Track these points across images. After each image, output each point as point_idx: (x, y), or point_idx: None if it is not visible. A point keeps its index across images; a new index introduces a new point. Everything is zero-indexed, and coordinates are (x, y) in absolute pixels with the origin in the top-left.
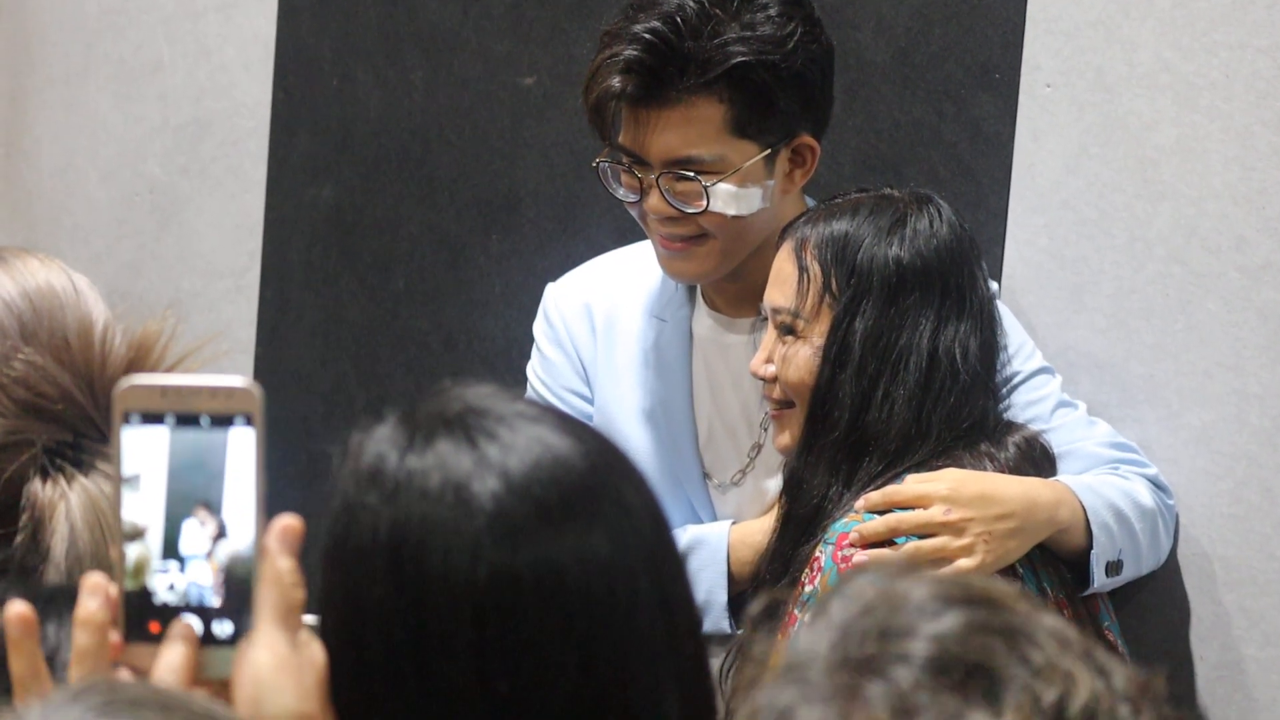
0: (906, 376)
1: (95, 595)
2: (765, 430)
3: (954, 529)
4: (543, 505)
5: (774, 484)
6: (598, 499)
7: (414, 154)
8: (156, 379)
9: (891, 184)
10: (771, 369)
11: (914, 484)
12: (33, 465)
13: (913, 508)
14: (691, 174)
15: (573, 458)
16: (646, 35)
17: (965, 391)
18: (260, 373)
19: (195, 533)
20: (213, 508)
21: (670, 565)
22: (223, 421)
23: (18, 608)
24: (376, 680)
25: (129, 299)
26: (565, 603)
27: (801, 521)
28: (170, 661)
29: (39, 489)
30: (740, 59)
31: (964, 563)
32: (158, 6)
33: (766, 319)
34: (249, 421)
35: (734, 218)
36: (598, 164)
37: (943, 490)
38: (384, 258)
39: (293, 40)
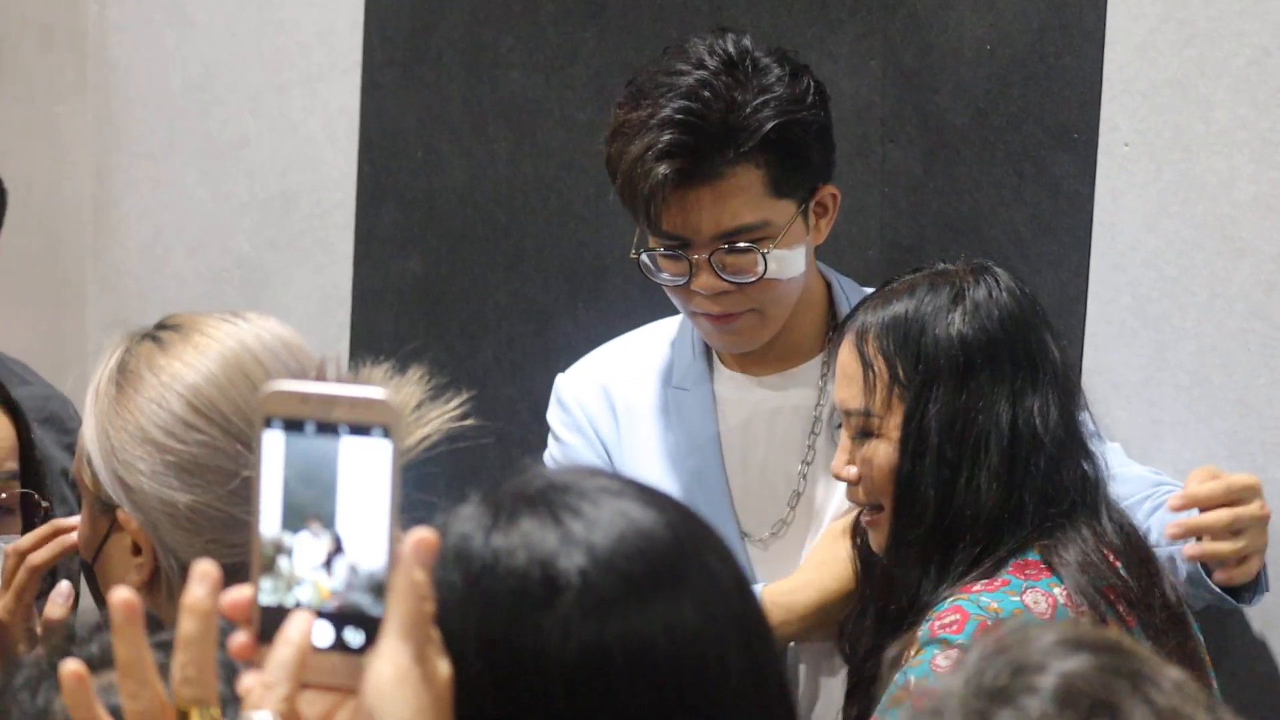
0: (989, 458)
1: (203, 582)
2: (805, 479)
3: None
4: (629, 578)
5: (814, 536)
6: (683, 569)
7: (499, 224)
8: (299, 385)
9: (958, 252)
10: (853, 471)
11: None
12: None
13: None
14: (744, 244)
15: (656, 529)
16: (679, 117)
17: (1055, 462)
18: None
19: (326, 539)
20: (343, 516)
21: (758, 630)
22: (361, 431)
23: (122, 594)
24: None
25: None
26: (655, 674)
27: (895, 617)
28: (279, 658)
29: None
30: (774, 121)
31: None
32: (243, 82)
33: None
34: (386, 434)
35: (784, 281)
36: (638, 256)
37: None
38: (471, 327)
39: (377, 113)
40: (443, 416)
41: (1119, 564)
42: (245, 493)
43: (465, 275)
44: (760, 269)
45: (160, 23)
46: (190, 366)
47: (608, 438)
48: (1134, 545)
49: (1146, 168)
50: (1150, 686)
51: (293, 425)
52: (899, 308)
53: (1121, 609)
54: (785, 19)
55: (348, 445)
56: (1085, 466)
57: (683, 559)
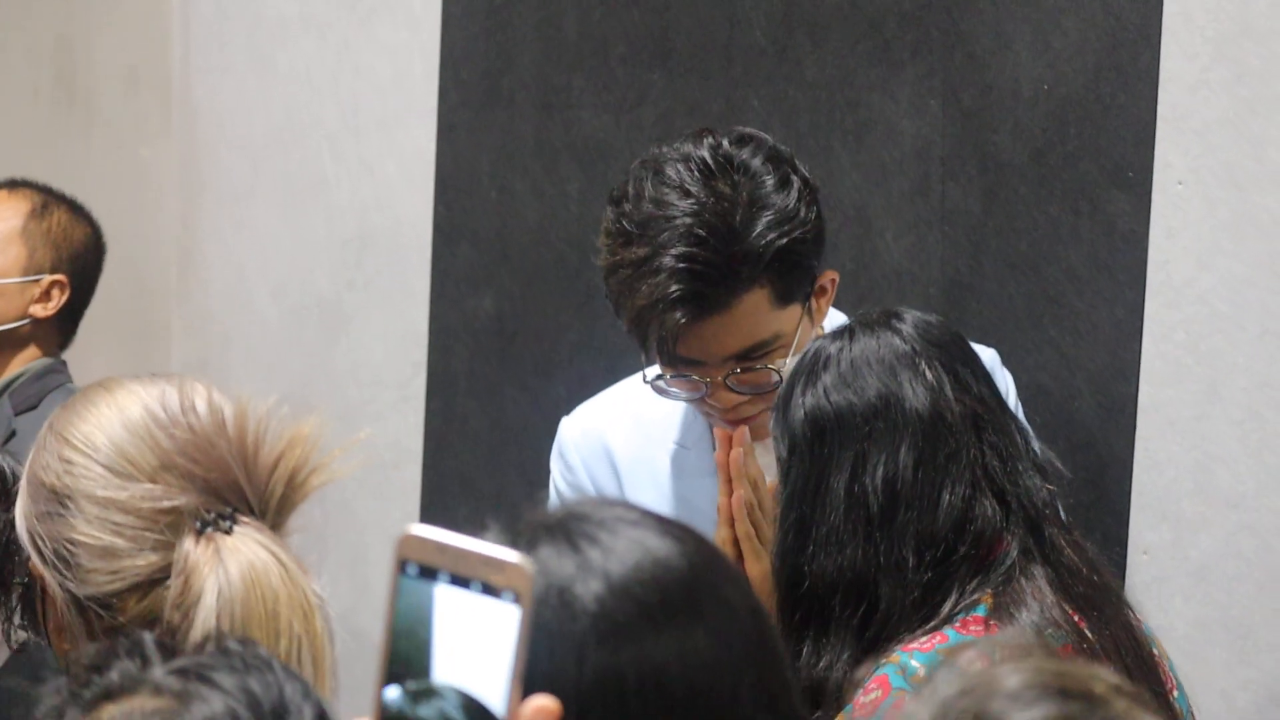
0: (830, 521)
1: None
2: None
3: None
4: (644, 605)
5: None
6: (698, 598)
7: (571, 263)
8: (436, 534)
9: (1016, 290)
10: None
11: None
12: (187, 528)
13: None
14: (759, 365)
15: (672, 558)
16: (683, 266)
17: (924, 512)
18: (428, 479)
19: (446, 692)
20: (464, 672)
21: (772, 659)
22: (492, 591)
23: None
24: None
25: (300, 410)
26: (669, 700)
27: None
28: None
29: (191, 548)
30: (776, 245)
31: None
32: (321, 125)
33: None
34: (517, 599)
35: None
36: (652, 383)
37: None
38: (545, 365)
39: (452, 154)
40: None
41: (1079, 615)
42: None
43: (538, 314)
44: (775, 380)
45: (242, 67)
46: (84, 419)
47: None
48: (1095, 582)
49: (1200, 206)
50: None
51: (426, 573)
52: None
53: None
54: (849, 59)
55: (478, 602)
56: (990, 504)
57: (698, 588)
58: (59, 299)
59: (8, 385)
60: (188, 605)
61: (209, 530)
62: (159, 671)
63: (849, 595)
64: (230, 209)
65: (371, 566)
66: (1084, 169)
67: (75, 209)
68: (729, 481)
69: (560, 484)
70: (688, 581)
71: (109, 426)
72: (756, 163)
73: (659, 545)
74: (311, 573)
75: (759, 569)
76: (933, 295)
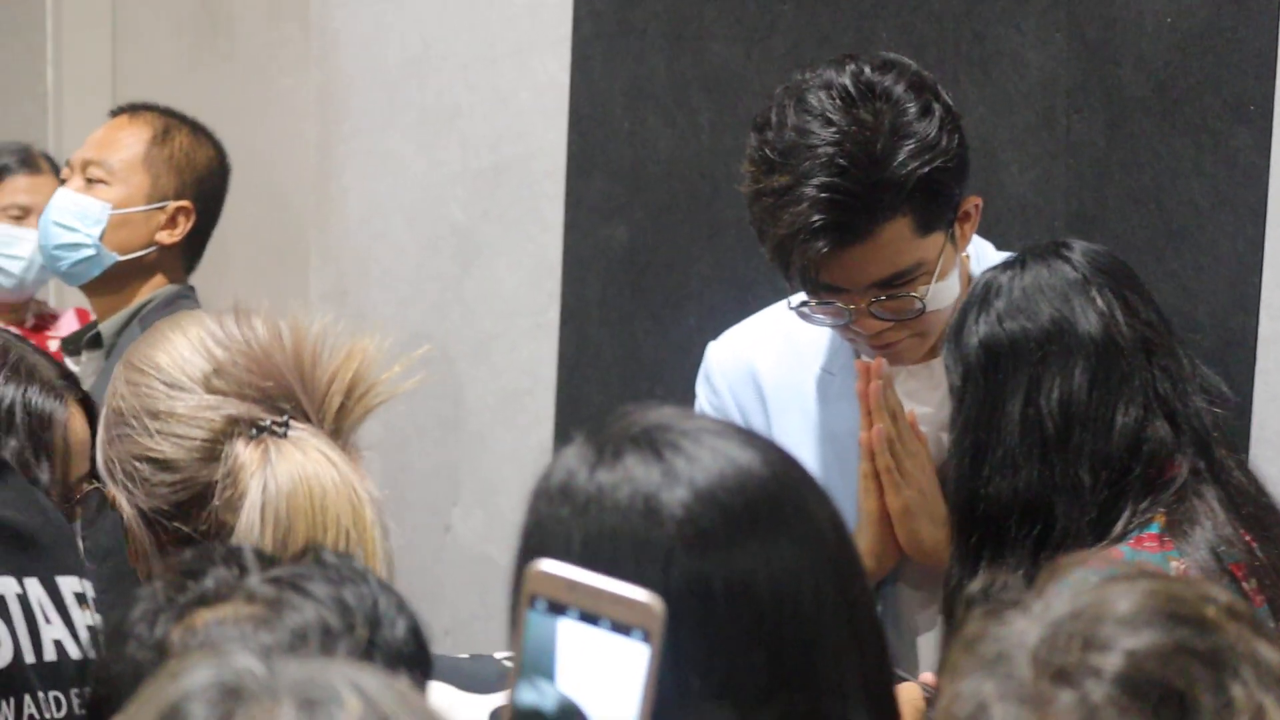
0: (1005, 444)
1: None
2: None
3: None
4: (730, 513)
5: None
6: (782, 507)
7: (703, 194)
8: (565, 570)
9: (1140, 224)
10: None
11: None
12: (241, 434)
13: None
14: (902, 292)
15: (756, 468)
16: (825, 196)
17: (1099, 434)
18: (561, 409)
19: None
20: (592, 709)
21: (853, 573)
22: (622, 630)
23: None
24: None
25: (435, 340)
26: (755, 607)
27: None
28: None
29: (240, 450)
30: (919, 174)
31: None
32: (455, 54)
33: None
34: (646, 638)
35: (943, 309)
36: (797, 309)
37: None
38: (676, 296)
39: (585, 85)
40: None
41: (1249, 534)
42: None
43: (670, 245)
44: (919, 308)
45: None
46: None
47: (756, 424)
48: (1262, 504)
49: None
50: (1226, 672)
51: (555, 608)
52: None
53: (1249, 586)
54: None
55: (606, 640)
56: (1162, 425)
57: (782, 498)
58: (184, 225)
59: (136, 312)
60: (235, 505)
61: (262, 435)
62: (254, 580)
63: (1025, 516)
64: (367, 138)
65: (504, 496)
66: (1206, 102)
67: (197, 131)
68: (869, 414)
69: (706, 409)
70: (772, 491)
71: (169, 347)
72: (899, 89)
73: (742, 455)
74: (368, 477)
75: (899, 502)
76: (1057, 228)
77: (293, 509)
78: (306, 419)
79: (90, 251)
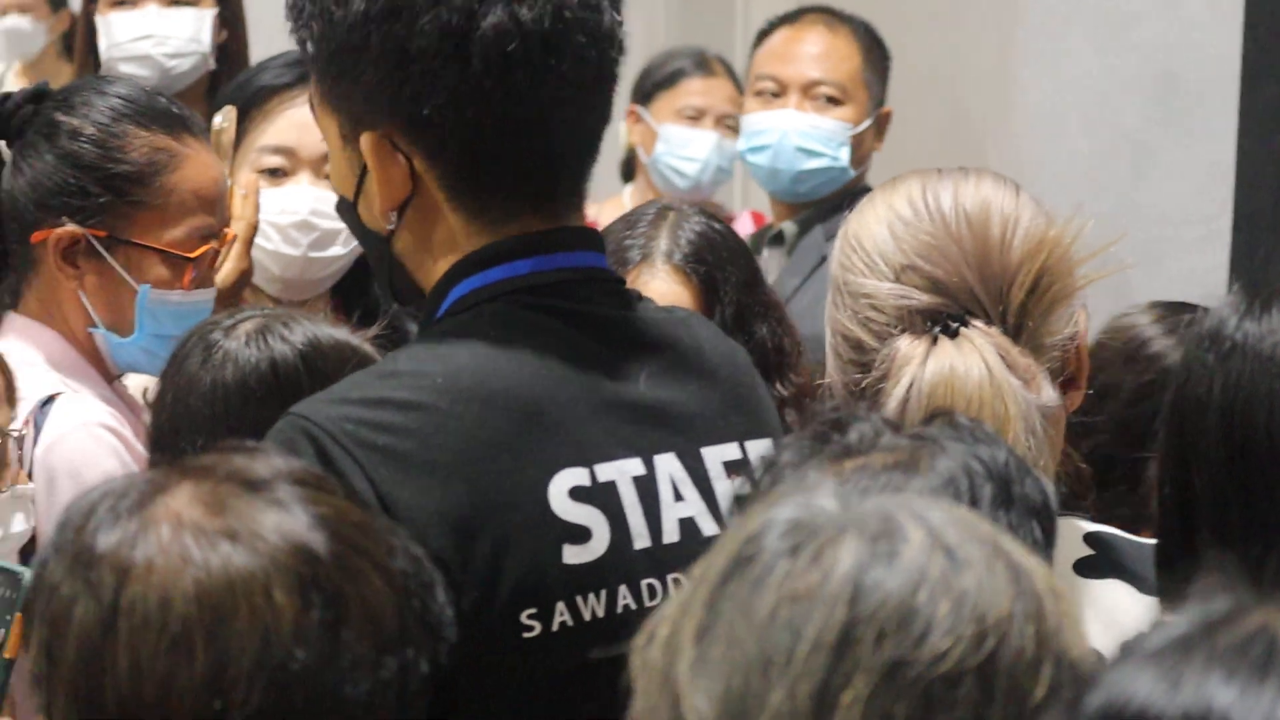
0: None
1: None
2: None
3: None
4: None
5: None
6: None
7: None
8: None
9: None
10: None
11: None
12: (914, 327)
13: None
14: None
15: None
16: None
17: None
18: None
19: None
20: None
21: None
22: None
23: None
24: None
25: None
26: None
27: None
28: None
29: (904, 345)
30: None
31: None
32: None
33: None
34: None
35: None
36: None
37: None
38: None
39: None
40: None
41: None
42: None
43: None
44: None
45: None
46: None
47: None
48: None
49: None
50: None
51: None
52: None
53: None
54: None
55: None
56: None
57: None
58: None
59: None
60: (881, 397)
61: (934, 330)
62: (890, 437)
63: None
64: (1044, 42)
65: None
66: None
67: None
68: None
69: None
70: None
71: (871, 223)
72: None
73: None
74: (1041, 379)
75: None
76: None
77: (931, 407)
78: (986, 315)
79: (838, 173)
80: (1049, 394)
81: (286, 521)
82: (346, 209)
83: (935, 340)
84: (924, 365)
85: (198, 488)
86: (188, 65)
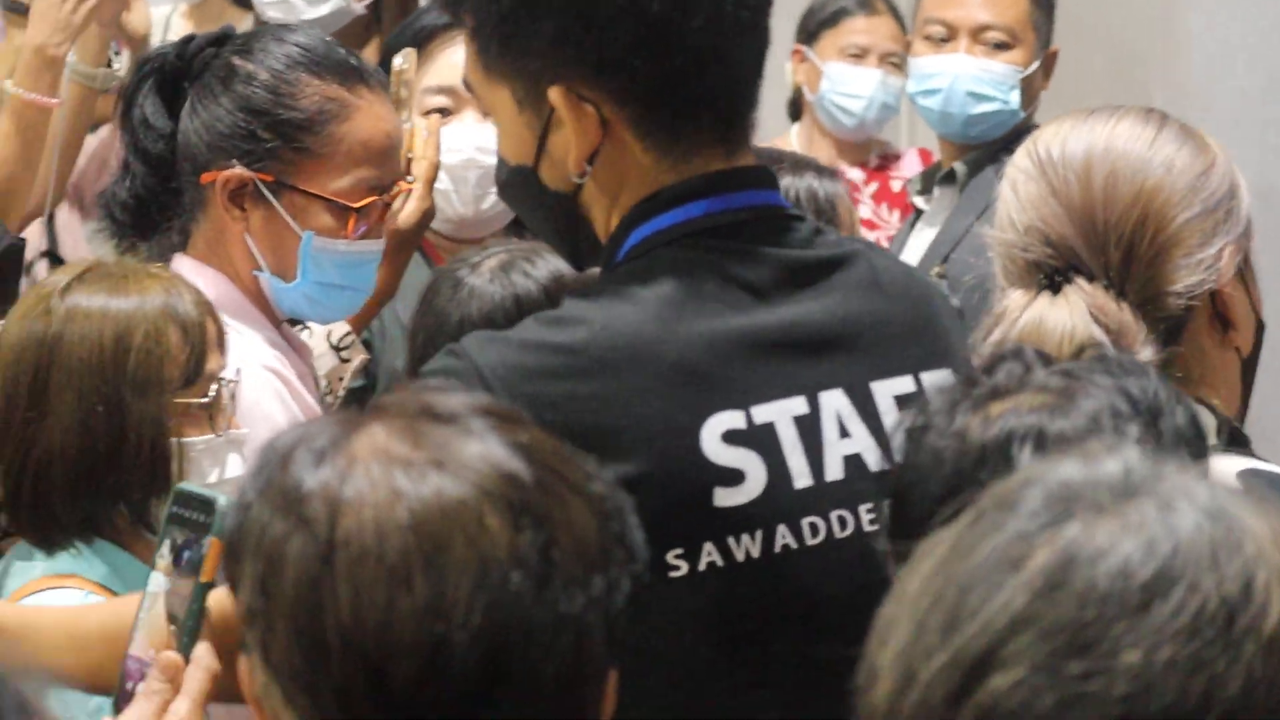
0: None
1: None
2: None
3: None
4: None
5: None
6: None
7: None
8: None
9: None
10: None
11: None
12: (1028, 281)
13: None
14: None
15: None
16: None
17: None
18: None
19: None
20: None
21: None
22: None
23: None
24: None
25: (1276, 188)
26: None
27: None
28: None
29: (1013, 296)
30: None
31: None
32: None
33: None
34: None
35: None
36: None
37: None
38: None
39: None
40: None
41: None
42: None
43: None
44: None
45: None
46: None
47: None
48: None
49: None
50: None
51: None
52: None
53: None
54: None
55: None
56: None
57: None
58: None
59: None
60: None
61: (1042, 284)
62: (1040, 374)
63: None
64: None
65: None
66: None
67: None
68: None
69: None
70: None
71: (1010, 174)
72: None
73: None
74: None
75: None
76: None
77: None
78: (1090, 270)
79: (1009, 116)
80: (1146, 354)
81: (487, 450)
82: (520, 178)
83: (1035, 296)
84: (1017, 320)
85: (392, 424)
86: (327, 9)
